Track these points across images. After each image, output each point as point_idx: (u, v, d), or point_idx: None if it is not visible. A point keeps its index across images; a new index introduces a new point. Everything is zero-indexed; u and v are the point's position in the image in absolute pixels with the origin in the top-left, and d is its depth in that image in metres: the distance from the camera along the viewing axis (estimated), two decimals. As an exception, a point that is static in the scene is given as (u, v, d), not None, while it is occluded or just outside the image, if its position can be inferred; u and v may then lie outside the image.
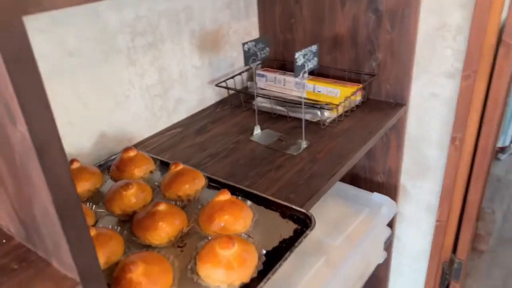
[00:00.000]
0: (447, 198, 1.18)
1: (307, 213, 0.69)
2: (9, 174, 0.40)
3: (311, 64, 0.86)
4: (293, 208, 0.71)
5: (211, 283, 0.56)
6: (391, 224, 1.27)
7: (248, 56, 0.92)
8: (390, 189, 1.24)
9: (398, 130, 1.16)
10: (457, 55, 1.01)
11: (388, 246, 1.28)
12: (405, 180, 1.24)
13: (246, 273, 0.56)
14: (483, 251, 1.85)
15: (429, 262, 1.31)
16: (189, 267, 0.59)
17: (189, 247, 0.65)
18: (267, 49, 0.96)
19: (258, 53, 0.94)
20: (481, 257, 1.83)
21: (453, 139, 1.10)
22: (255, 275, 0.57)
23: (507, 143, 2.51)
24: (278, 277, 0.64)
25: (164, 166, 0.84)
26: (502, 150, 2.53)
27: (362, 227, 1.06)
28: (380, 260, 1.21)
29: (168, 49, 1.02)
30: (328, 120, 1.03)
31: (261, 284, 0.56)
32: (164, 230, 0.63)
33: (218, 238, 0.58)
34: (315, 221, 0.68)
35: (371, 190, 1.17)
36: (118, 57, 0.91)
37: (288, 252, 0.61)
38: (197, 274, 0.57)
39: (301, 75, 0.84)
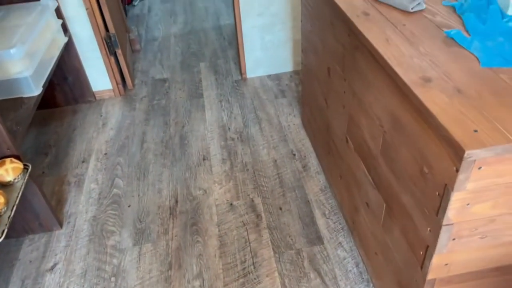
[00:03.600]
0: (84, -8, 2.04)
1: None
2: None
3: None
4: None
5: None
6: (64, 26, 2.07)
7: None
8: None
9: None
10: None
11: (68, 38, 2.09)
12: (57, -8, 2.02)
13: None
14: (139, 50, 2.92)
15: (96, 40, 2.21)
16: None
17: None
18: None
19: None
20: (138, 54, 2.90)
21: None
22: None
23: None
24: None
25: None
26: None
27: (37, 16, 1.82)
28: (65, 40, 2.02)
29: None
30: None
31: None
32: None
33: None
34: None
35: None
36: None
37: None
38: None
39: None
